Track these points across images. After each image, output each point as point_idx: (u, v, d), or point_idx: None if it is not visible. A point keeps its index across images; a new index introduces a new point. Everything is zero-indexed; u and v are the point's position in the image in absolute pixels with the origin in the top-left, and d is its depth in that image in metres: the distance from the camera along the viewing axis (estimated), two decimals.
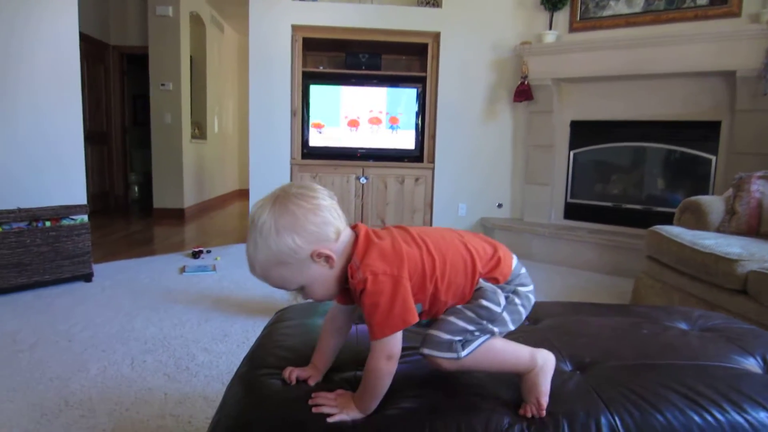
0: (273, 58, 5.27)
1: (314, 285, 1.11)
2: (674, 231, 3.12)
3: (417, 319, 1.07)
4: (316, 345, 1.25)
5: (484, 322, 1.13)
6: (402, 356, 1.10)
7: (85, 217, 3.79)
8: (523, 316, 1.20)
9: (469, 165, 5.49)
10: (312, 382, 1.19)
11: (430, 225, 5.52)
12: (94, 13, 6.94)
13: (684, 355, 1.37)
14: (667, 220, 3.63)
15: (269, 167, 5.37)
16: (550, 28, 5.00)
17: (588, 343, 1.43)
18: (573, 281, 4.21)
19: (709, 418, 1.10)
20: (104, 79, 7.41)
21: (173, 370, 2.39)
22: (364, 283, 1.06)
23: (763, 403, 1.14)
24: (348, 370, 1.25)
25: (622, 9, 4.69)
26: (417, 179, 5.50)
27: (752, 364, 1.34)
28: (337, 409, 1.08)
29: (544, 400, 1.10)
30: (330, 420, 1.06)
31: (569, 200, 5.15)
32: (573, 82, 4.95)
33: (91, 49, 6.89)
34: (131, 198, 8.31)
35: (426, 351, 1.11)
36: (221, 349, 2.63)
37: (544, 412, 1.09)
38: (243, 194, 9.06)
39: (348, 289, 1.14)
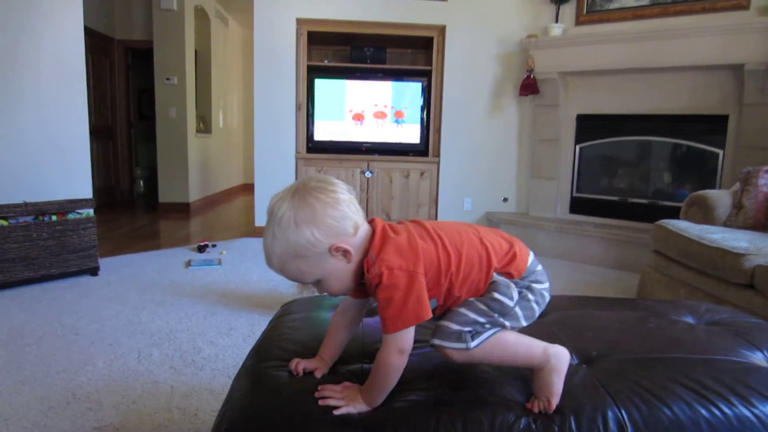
0: (278, 52, 5.26)
1: (331, 279, 1.11)
2: (681, 225, 3.11)
3: (430, 315, 1.06)
4: (325, 337, 1.25)
5: (496, 315, 1.12)
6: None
7: (91, 211, 3.80)
8: (537, 313, 1.19)
9: (474, 159, 5.48)
10: (318, 374, 1.19)
11: (435, 219, 5.51)
12: (99, 8, 6.94)
13: (691, 348, 1.36)
14: (674, 214, 3.61)
15: (274, 161, 5.37)
16: (557, 21, 4.97)
17: (594, 336, 1.43)
18: (579, 275, 4.20)
19: (717, 411, 1.09)
20: (109, 73, 7.42)
21: (179, 363, 2.40)
22: (379, 277, 1.05)
23: None
24: (354, 363, 1.25)
25: (629, 2, 4.66)
26: (422, 173, 5.49)
27: (759, 358, 1.34)
28: (344, 401, 1.08)
29: (555, 401, 1.09)
30: (336, 412, 1.06)
31: (575, 194, 5.13)
32: (579, 75, 4.93)
33: (96, 44, 6.90)
34: (137, 192, 8.33)
35: (436, 341, 1.11)
36: (227, 343, 2.64)
37: (552, 410, 1.08)
38: (248, 188, 9.06)
39: (362, 284, 1.14)
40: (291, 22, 5.23)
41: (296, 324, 1.50)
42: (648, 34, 4.39)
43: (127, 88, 7.80)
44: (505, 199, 5.55)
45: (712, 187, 4.26)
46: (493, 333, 1.11)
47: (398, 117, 5.48)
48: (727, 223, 3.27)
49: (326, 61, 5.63)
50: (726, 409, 1.10)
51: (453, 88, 5.38)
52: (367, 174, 5.40)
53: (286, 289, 3.57)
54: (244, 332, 2.78)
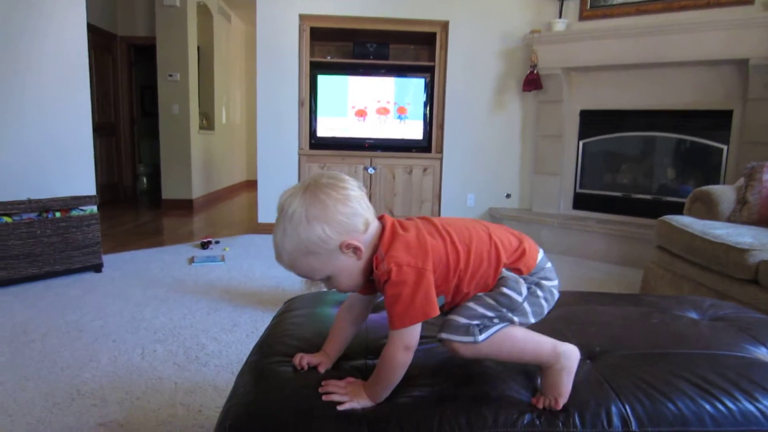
0: (280, 48, 5.26)
1: (341, 276, 1.11)
2: (685, 221, 3.10)
3: (438, 313, 1.06)
4: (329, 333, 1.25)
5: (504, 309, 1.12)
6: None
7: (95, 208, 3.81)
8: (545, 310, 1.18)
9: (477, 155, 5.47)
10: (322, 369, 1.19)
11: (438, 215, 5.48)
12: (102, 4, 6.94)
13: (695, 344, 1.36)
14: (678, 210, 3.60)
15: (277, 158, 5.37)
16: (560, 17, 4.96)
17: (598, 332, 1.43)
18: (582, 271, 4.20)
19: (721, 407, 1.09)
20: (112, 70, 7.42)
21: (183, 359, 2.40)
22: (388, 274, 1.05)
23: None
24: (358, 359, 1.25)
25: None
26: (425, 169, 5.48)
27: (764, 354, 1.33)
28: (348, 397, 1.08)
29: (562, 401, 1.08)
30: (340, 408, 1.06)
31: (578, 190, 5.12)
32: (583, 71, 4.91)
33: (99, 40, 6.90)
34: (140, 189, 8.33)
35: (443, 335, 1.10)
36: (230, 339, 2.65)
37: (559, 409, 1.08)
38: (251, 185, 9.07)
39: (371, 280, 1.14)
40: (294, 18, 5.22)
41: (300, 320, 1.50)
42: (652, 29, 4.37)
43: (130, 84, 7.80)
44: (509, 195, 5.54)
45: (716, 182, 4.24)
46: (502, 327, 1.11)
47: (401, 113, 5.47)
48: (731, 219, 3.26)
49: (329, 57, 5.63)
50: (730, 404, 1.10)
51: (456, 84, 5.37)
52: (370, 170, 5.39)
53: (290, 285, 3.57)
54: (248, 329, 2.79)
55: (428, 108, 5.46)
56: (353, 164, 5.39)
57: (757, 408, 1.10)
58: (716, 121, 4.33)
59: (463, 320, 1.09)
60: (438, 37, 5.36)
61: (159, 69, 7.02)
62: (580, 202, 5.11)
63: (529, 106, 5.34)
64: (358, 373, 1.18)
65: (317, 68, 5.43)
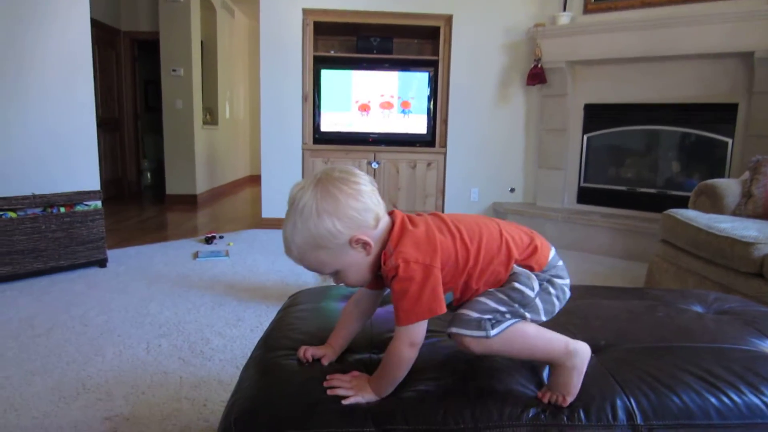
0: (284, 43, 5.25)
1: (350, 270, 1.10)
2: (689, 214, 3.09)
3: (444, 310, 1.05)
4: (335, 326, 1.25)
5: (516, 305, 1.10)
6: None
7: (99, 203, 3.81)
8: (557, 308, 1.17)
9: (481, 149, 5.46)
10: (326, 362, 1.19)
11: (442, 210, 5.51)
12: None
13: (700, 337, 1.36)
14: (682, 203, 3.59)
15: (281, 153, 5.37)
16: (564, 10, 4.93)
17: (603, 326, 1.42)
18: (586, 266, 4.19)
19: (726, 400, 1.09)
20: (115, 65, 7.42)
21: (188, 354, 2.41)
22: (395, 270, 1.04)
23: None
24: (363, 352, 1.26)
25: None
26: (429, 164, 5.48)
27: None
28: (353, 391, 1.08)
29: (570, 399, 1.08)
30: (345, 402, 1.06)
31: (582, 184, 5.11)
32: (587, 64, 4.89)
33: (102, 35, 6.90)
34: (144, 184, 8.35)
35: (454, 330, 1.09)
36: (235, 334, 2.65)
37: (565, 406, 1.07)
38: (254, 180, 9.07)
39: (379, 276, 1.13)
40: (297, 12, 5.21)
41: (304, 314, 1.50)
42: (657, 22, 4.35)
43: (134, 79, 7.80)
44: (512, 190, 5.54)
45: (721, 176, 4.23)
46: (514, 323, 1.09)
47: (405, 107, 5.46)
48: (737, 213, 3.25)
49: (332, 52, 5.62)
50: (735, 398, 1.09)
51: (460, 78, 5.36)
52: (374, 165, 5.39)
53: (294, 280, 3.58)
54: (252, 323, 2.79)
55: (432, 102, 5.45)
56: (357, 159, 5.38)
57: (762, 401, 1.10)
58: (721, 115, 4.31)
59: (474, 314, 1.08)
60: (442, 31, 5.34)
61: (162, 64, 7.02)
62: (585, 196, 5.10)
63: (533, 100, 5.33)
64: (362, 366, 1.19)
65: (321, 63, 5.42)
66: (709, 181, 3.46)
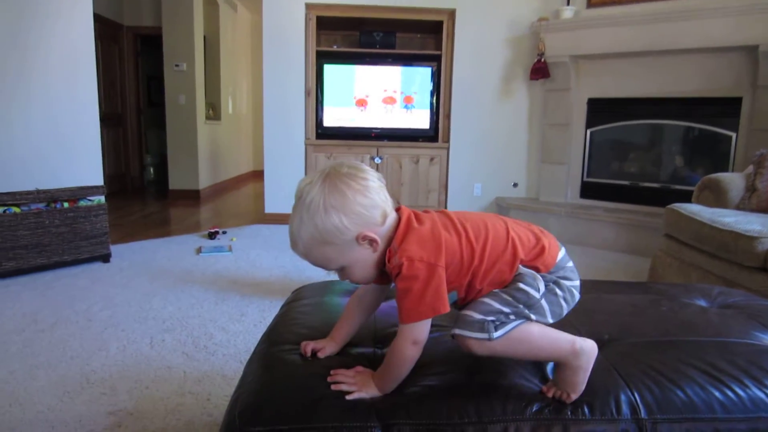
0: (287, 38, 5.24)
1: (355, 267, 1.10)
2: (693, 209, 3.08)
3: (448, 310, 1.04)
4: (338, 319, 1.25)
5: (521, 306, 1.08)
6: None
7: (102, 198, 3.82)
8: (565, 311, 1.14)
9: (484, 144, 5.45)
10: (323, 354, 1.19)
11: (445, 205, 5.51)
12: None
13: (704, 331, 1.35)
14: (686, 198, 3.58)
15: (283, 148, 5.37)
16: (568, 4, 4.91)
17: (606, 320, 1.42)
18: (589, 260, 4.19)
19: (730, 393, 1.09)
20: (118, 60, 7.42)
21: (191, 348, 2.42)
22: (399, 267, 1.04)
23: None
24: (367, 346, 1.26)
25: None
26: (432, 159, 5.47)
27: None
28: (356, 387, 1.07)
29: (574, 396, 1.07)
30: (348, 398, 1.06)
31: (586, 179, 5.10)
32: (591, 58, 4.88)
33: (105, 30, 6.89)
34: (147, 179, 8.36)
35: (457, 331, 1.08)
36: (238, 329, 2.66)
37: (569, 402, 1.07)
38: (257, 175, 9.07)
39: (385, 271, 1.13)
40: (300, 7, 5.20)
41: (308, 309, 1.50)
42: (660, 16, 4.33)
43: (137, 74, 7.80)
44: (515, 185, 5.53)
45: (725, 170, 4.22)
46: (518, 324, 1.08)
47: (407, 102, 5.45)
48: (740, 207, 3.24)
49: (335, 47, 5.61)
50: (740, 392, 1.09)
51: (463, 73, 5.35)
52: (377, 160, 5.39)
53: (297, 275, 3.58)
54: (255, 318, 2.80)
55: (435, 97, 5.44)
56: (360, 154, 5.38)
57: (766, 395, 1.09)
58: (725, 109, 4.29)
59: (477, 316, 1.07)
60: (445, 25, 5.33)
61: (165, 59, 7.02)
62: (588, 190, 5.09)
63: (537, 95, 5.31)
64: (366, 361, 1.19)
65: (323, 58, 5.41)
66: (713, 176, 3.45)
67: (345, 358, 1.20)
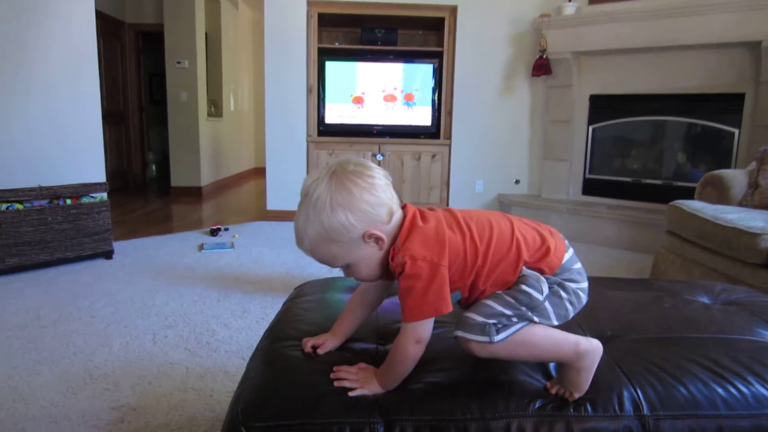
0: (288, 35, 5.24)
1: (361, 265, 1.09)
2: (695, 205, 3.08)
3: (450, 309, 1.03)
4: (341, 314, 1.25)
5: (524, 308, 1.07)
6: None
7: (105, 195, 3.82)
8: (570, 313, 1.13)
9: (486, 141, 5.45)
10: (324, 350, 1.20)
11: (447, 202, 5.51)
12: None
13: (707, 328, 1.35)
14: (688, 194, 3.58)
15: (285, 145, 5.37)
16: (570, 0, 4.90)
17: (609, 317, 1.42)
18: (592, 257, 4.18)
19: (733, 390, 1.09)
20: (120, 57, 7.43)
21: (194, 345, 2.42)
22: (402, 266, 1.03)
23: None
24: (369, 342, 1.26)
25: None
26: (434, 156, 5.47)
27: None
28: (359, 383, 1.08)
29: (577, 395, 1.07)
30: (351, 394, 1.06)
31: (588, 176, 5.10)
32: (593, 55, 4.87)
33: (107, 27, 6.89)
34: (149, 176, 8.36)
35: (459, 333, 1.07)
36: (240, 325, 2.66)
37: (572, 401, 1.07)
38: (259, 172, 9.07)
39: (388, 269, 1.12)
40: (301, 3, 5.20)
41: (310, 305, 1.50)
42: (662, 12, 4.32)
43: (138, 72, 7.80)
44: (517, 181, 5.53)
45: (728, 166, 4.21)
46: (520, 327, 1.06)
47: (409, 99, 5.45)
48: (743, 203, 3.24)
49: (337, 44, 5.61)
50: (743, 388, 1.09)
51: (464, 70, 5.34)
52: (379, 157, 5.38)
53: (299, 271, 3.58)
54: (258, 315, 2.80)
55: (436, 94, 5.43)
56: (361, 151, 5.38)
57: None
58: (727, 105, 4.28)
59: (479, 318, 1.05)
60: (446, 22, 5.32)
61: (167, 56, 7.01)
62: (590, 187, 5.08)
63: (539, 91, 5.31)
64: (368, 357, 1.19)
65: (325, 54, 5.41)
66: (716, 172, 3.44)
67: (347, 354, 1.20)
